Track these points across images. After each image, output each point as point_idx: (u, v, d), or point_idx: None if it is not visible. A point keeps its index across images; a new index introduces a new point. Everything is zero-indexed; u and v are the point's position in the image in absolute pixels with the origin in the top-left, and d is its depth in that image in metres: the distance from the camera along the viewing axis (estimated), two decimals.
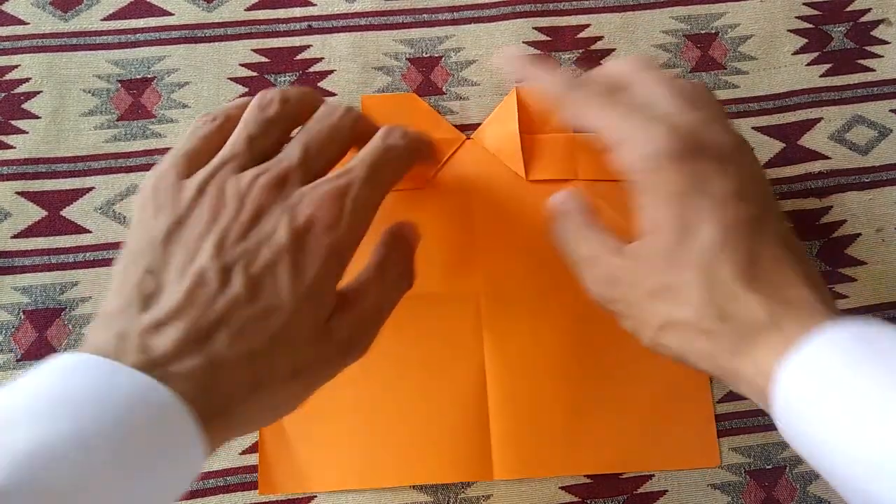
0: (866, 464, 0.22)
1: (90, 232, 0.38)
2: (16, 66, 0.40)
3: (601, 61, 0.41)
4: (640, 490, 0.35)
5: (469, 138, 0.38)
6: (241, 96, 0.40)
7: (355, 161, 0.28)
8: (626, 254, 0.29)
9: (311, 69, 0.40)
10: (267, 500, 0.35)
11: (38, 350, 0.36)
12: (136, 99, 0.40)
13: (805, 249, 0.30)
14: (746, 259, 0.27)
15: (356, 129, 0.29)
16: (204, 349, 0.24)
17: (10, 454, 0.19)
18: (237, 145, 0.28)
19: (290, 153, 0.28)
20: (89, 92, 0.40)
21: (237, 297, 0.25)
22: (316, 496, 0.35)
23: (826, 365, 0.24)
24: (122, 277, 0.26)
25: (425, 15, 0.41)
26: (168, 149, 0.38)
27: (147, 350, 0.23)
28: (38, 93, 0.39)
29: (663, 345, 0.28)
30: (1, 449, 0.19)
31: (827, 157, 0.40)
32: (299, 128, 0.29)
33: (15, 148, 0.39)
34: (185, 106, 0.39)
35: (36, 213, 0.38)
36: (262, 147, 0.28)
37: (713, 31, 0.41)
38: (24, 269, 0.37)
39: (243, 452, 0.36)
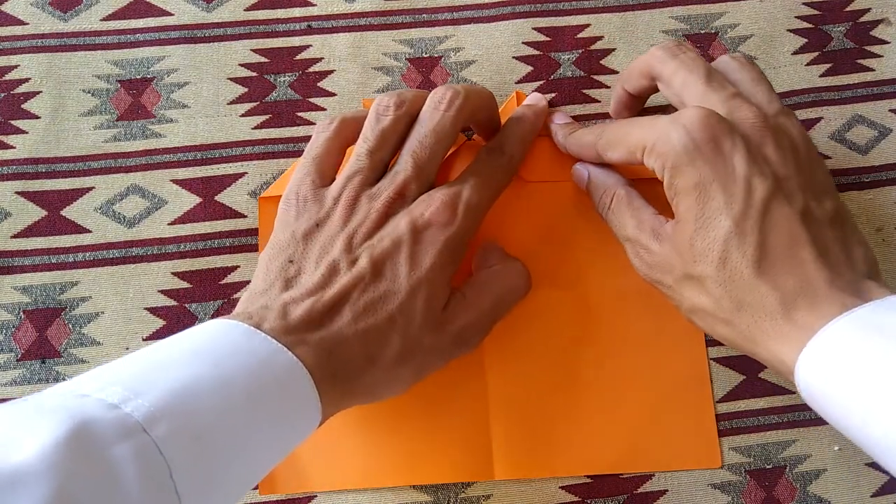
0: (883, 434, 0.24)
1: (90, 232, 0.38)
2: (15, 67, 0.40)
3: (601, 61, 0.41)
4: (640, 490, 0.35)
5: (470, 139, 0.38)
6: (240, 97, 0.40)
7: (467, 174, 0.33)
8: (663, 238, 0.31)
9: (311, 69, 0.40)
10: (267, 500, 0.35)
11: (38, 350, 0.36)
12: (135, 99, 0.40)
13: (838, 208, 0.31)
14: (757, 245, 0.28)
15: (458, 125, 0.33)
16: (329, 323, 0.28)
17: (164, 387, 0.23)
18: (361, 159, 0.32)
19: (405, 166, 0.32)
20: (89, 92, 0.40)
21: (362, 275, 0.29)
22: (316, 496, 0.35)
23: (837, 354, 0.26)
24: (267, 264, 0.31)
25: (425, 15, 0.41)
26: (168, 149, 0.39)
27: (285, 317, 0.28)
28: (38, 93, 0.39)
29: (694, 323, 0.31)
30: (157, 383, 0.23)
31: (827, 157, 0.40)
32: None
33: (15, 148, 0.39)
34: (184, 106, 0.39)
35: (36, 213, 0.38)
36: (381, 158, 0.32)
37: (713, 31, 0.41)
38: (24, 269, 0.37)
39: None
